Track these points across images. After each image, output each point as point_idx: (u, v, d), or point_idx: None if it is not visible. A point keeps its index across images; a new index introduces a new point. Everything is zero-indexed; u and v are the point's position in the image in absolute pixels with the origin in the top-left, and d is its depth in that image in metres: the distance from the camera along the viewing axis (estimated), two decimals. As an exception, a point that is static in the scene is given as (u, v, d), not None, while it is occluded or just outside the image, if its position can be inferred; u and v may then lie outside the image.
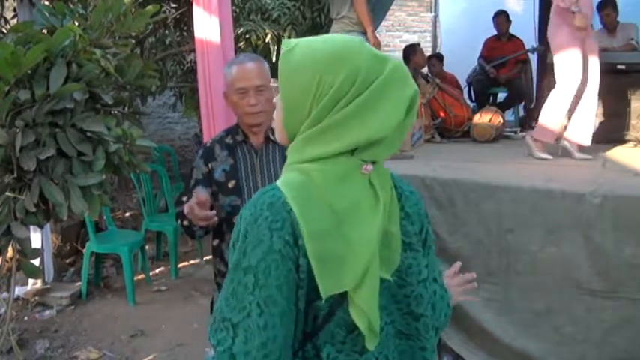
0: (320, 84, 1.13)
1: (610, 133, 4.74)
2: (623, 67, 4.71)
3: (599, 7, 5.76)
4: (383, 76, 1.13)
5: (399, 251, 1.18)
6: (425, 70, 6.48)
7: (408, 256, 1.21)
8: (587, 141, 4.07)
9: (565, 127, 4.09)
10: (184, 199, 2.24)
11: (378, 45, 4.73)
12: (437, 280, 1.32)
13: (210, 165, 2.27)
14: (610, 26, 5.77)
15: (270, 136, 2.28)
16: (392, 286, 1.19)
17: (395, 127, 1.13)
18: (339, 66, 1.14)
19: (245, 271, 1.09)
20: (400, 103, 1.14)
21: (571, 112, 4.05)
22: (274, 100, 1.28)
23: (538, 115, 5.70)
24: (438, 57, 7.19)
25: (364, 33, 4.67)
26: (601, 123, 4.78)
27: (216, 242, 2.32)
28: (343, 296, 1.12)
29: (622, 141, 4.71)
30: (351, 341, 1.16)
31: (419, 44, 6.45)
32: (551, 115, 4.11)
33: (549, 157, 4.11)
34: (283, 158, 2.20)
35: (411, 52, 6.16)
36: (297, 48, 1.16)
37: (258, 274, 1.08)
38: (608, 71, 4.59)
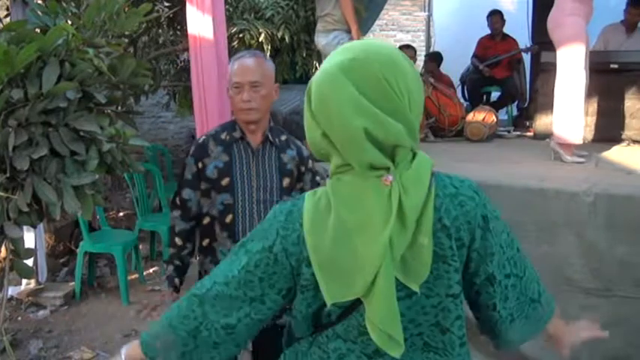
0: None
1: (603, 132, 4.76)
2: (616, 66, 4.73)
3: (629, 3, 5.64)
4: (318, 76, 1.16)
5: (428, 263, 1.15)
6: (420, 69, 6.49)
7: (439, 267, 1.17)
8: (577, 139, 4.01)
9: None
10: (177, 200, 2.29)
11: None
12: (510, 276, 1.28)
13: (202, 162, 2.22)
14: (631, 25, 5.68)
15: (269, 136, 2.25)
16: (420, 298, 1.18)
17: (358, 133, 1.10)
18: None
19: (245, 251, 1.23)
20: (341, 108, 1.11)
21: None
22: None
23: (531, 114, 5.74)
24: (437, 56, 7.20)
25: (348, 31, 4.59)
26: (594, 122, 4.80)
27: (206, 242, 2.28)
28: (359, 299, 1.15)
29: (615, 140, 4.73)
30: (362, 343, 1.19)
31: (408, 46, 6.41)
32: (569, 113, 3.90)
33: (582, 159, 3.93)
34: (279, 160, 2.25)
35: None
36: None
37: (251, 260, 1.20)
38: (602, 70, 4.61)
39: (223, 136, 2.24)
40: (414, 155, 1.17)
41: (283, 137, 2.32)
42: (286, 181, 2.27)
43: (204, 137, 2.28)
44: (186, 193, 2.26)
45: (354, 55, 1.13)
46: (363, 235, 1.11)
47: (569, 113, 3.90)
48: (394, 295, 1.12)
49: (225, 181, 2.20)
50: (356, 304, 1.16)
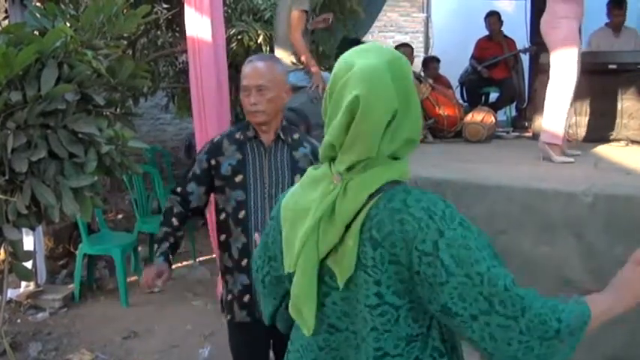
0: None
1: (602, 132, 4.76)
2: (614, 66, 4.73)
3: (611, 5, 5.70)
4: (342, 81, 1.21)
5: (350, 264, 1.19)
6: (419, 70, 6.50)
7: (359, 275, 1.19)
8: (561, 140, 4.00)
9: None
10: (179, 189, 2.40)
11: (321, 83, 4.04)
12: (491, 314, 1.15)
13: (215, 160, 2.32)
14: (617, 26, 5.72)
15: (281, 135, 2.34)
16: (351, 299, 1.24)
17: (336, 132, 1.20)
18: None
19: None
20: (338, 108, 1.20)
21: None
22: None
23: (530, 115, 5.74)
24: (435, 60, 7.21)
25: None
26: (593, 122, 4.80)
27: (223, 237, 2.37)
28: None
29: (614, 140, 4.73)
30: None
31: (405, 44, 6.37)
32: (558, 114, 3.92)
33: (571, 159, 3.93)
34: (291, 158, 2.36)
35: None
36: None
37: (267, 227, 1.49)
38: (600, 71, 4.61)
39: (237, 135, 2.35)
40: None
41: (296, 136, 2.41)
42: (297, 178, 2.34)
43: (219, 137, 2.39)
44: (191, 186, 2.37)
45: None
46: (305, 217, 1.25)
47: (558, 114, 3.91)
48: (311, 274, 1.25)
49: (238, 178, 2.30)
50: None
